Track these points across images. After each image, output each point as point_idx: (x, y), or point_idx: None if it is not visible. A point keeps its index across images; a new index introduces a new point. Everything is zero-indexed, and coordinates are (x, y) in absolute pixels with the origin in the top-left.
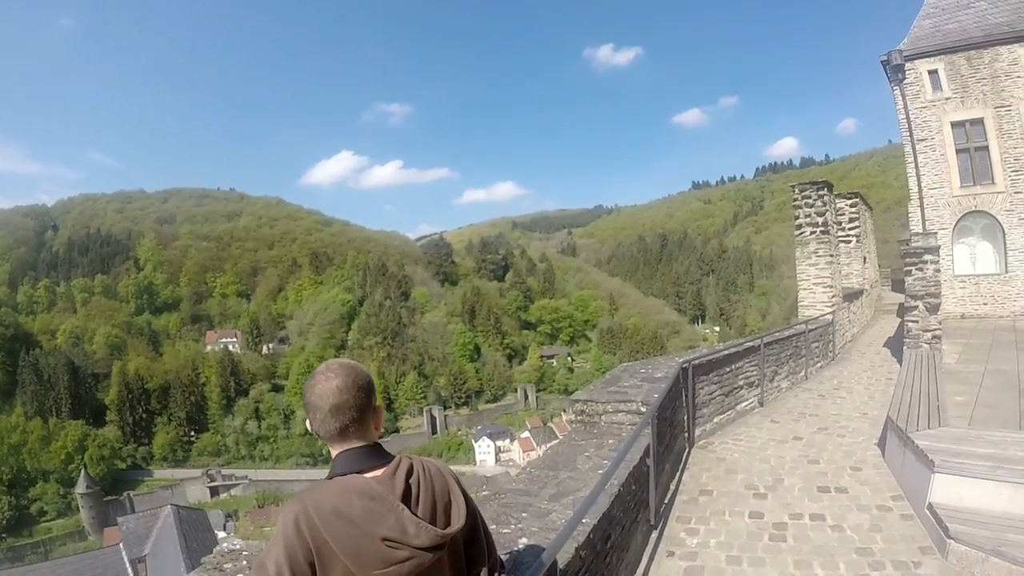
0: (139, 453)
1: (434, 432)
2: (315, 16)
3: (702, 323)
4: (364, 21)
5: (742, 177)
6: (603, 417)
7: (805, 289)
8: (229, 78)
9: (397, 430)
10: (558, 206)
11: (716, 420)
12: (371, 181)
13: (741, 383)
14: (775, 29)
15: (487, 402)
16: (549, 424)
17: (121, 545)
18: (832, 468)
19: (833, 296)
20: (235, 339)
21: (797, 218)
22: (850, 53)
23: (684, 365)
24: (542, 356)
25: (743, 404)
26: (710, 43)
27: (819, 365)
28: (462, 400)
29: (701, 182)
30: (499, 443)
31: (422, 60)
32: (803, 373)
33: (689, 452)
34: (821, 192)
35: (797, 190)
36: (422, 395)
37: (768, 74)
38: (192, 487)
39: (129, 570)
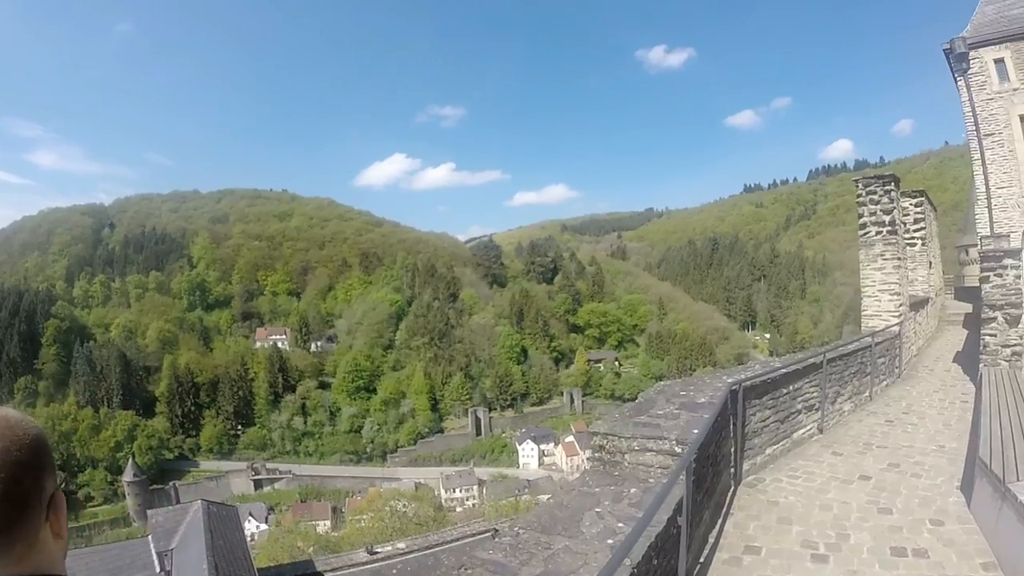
0: (186, 444)
1: (478, 434)
2: (368, 20)
3: (752, 330)
4: (417, 25)
5: (795, 180)
6: (627, 456)
7: (870, 296)
8: (284, 82)
9: (442, 431)
10: (609, 209)
11: (768, 452)
12: (424, 183)
13: (799, 407)
14: (829, 28)
15: (532, 405)
16: None
17: (150, 537)
18: (908, 521)
19: (900, 304)
20: (284, 336)
21: (861, 216)
22: (907, 50)
23: (733, 387)
24: (589, 360)
25: (800, 431)
26: (763, 44)
27: (884, 384)
28: (507, 402)
29: (753, 185)
30: (543, 447)
31: (474, 63)
32: (867, 393)
33: (734, 492)
34: (888, 187)
35: (861, 185)
36: (467, 396)
37: (822, 74)
38: (237, 479)
39: (156, 562)
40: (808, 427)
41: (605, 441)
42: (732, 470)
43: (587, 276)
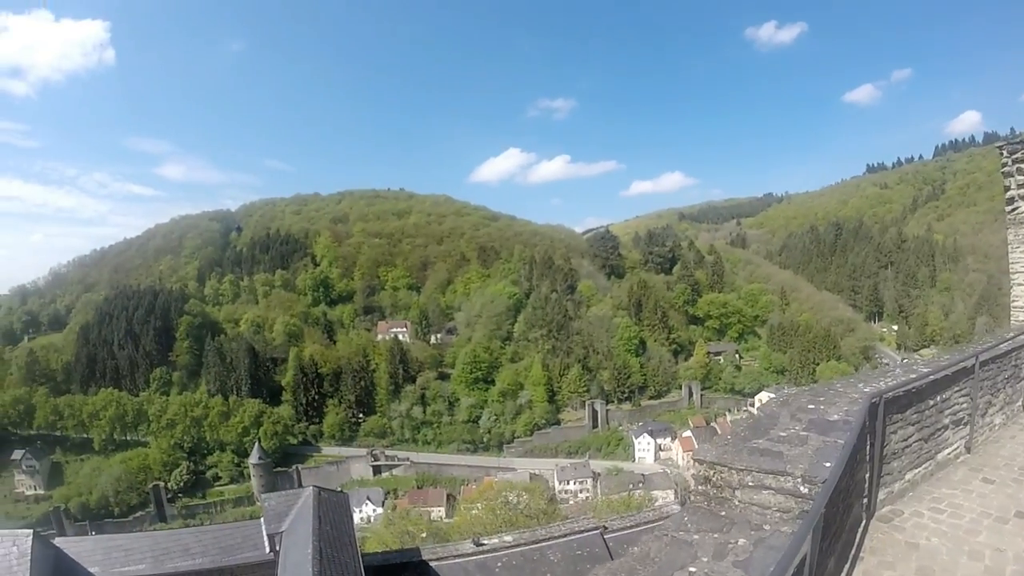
0: (310, 431)
1: (595, 426)
2: (477, 21)
3: (879, 321)
4: (523, 20)
5: (920, 158)
6: (738, 493)
7: (1020, 284)
8: (397, 86)
9: (559, 422)
10: (726, 195)
11: (908, 477)
12: (538, 176)
13: (946, 421)
14: None
15: (650, 398)
16: (712, 424)
17: (262, 520)
18: None
19: None
20: (404, 329)
21: (1007, 188)
22: None
23: (873, 400)
24: (709, 352)
25: (946, 451)
26: (879, 11)
27: None
28: (624, 395)
29: (876, 165)
30: (660, 441)
31: (581, 54)
32: (1020, 402)
33: (866, 527)
34: None
35: (1006, 152)
36: (585, 388)
37: (944, 41)
38: (357, 465)
39: (266, 543)
40: (955, 445)
41: (712, 472)
42: (865, 501)
43: (706, 265)
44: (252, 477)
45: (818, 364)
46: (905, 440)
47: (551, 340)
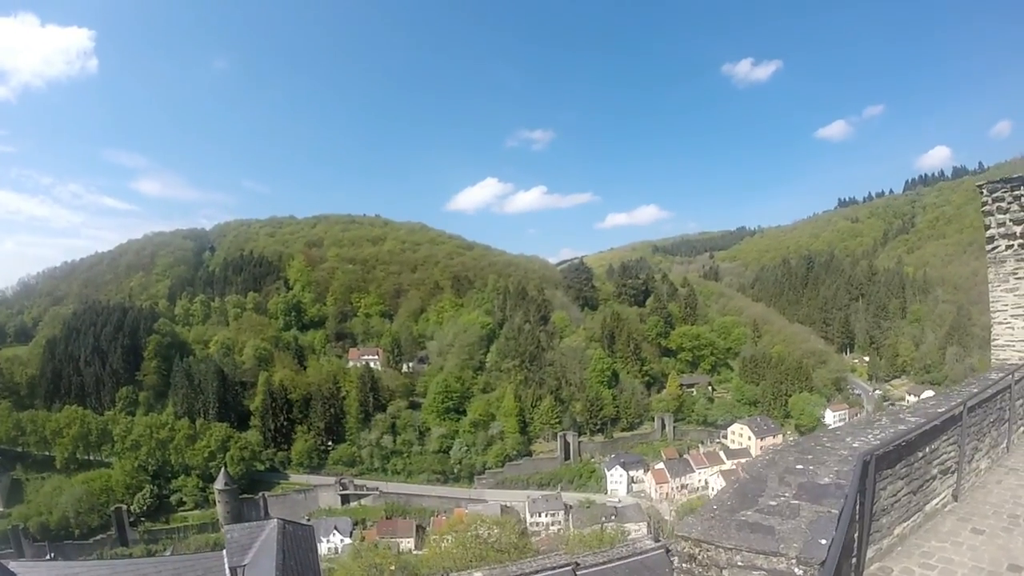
0: (278, 457)
1: (567, 458)
2: (459, 51)
3: (850, 352)
4: (505, 53)
5: (891, 192)
6: (726, 573)
7: (1001, 323)
8: (376, 113)
9: (530, 454)
10: (700, 229)
11: (897, 531)
12: (515, 206)
13: (935, 471)
14: (920, 30)
15: (623, 430)
16: (685, 456)
17: (224, 552)
18: None
19: None
20: (376, 357)
21: (988, 227)
22: (1002, 47)
23: (865, 458)
24: (682, 385)
25: (934, 501)
26: (852, 50)
27: (1021, 431)
28: (597, 427)
29: (847, 199)
30: (632, 473)
31: (562, 85)
32: (1004, 445)
33: None
34: (1017, 192)
35: (986, 191)
36: (557, 420)
37: (915, 78)
38: (325, 493)
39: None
40: (942, 495)
41: (698, 550)
42: (853, 560)
43: (679, 298)
44: (217, 503)
45: (790, 396)
46: (895, 495)
47: (523, 371)
